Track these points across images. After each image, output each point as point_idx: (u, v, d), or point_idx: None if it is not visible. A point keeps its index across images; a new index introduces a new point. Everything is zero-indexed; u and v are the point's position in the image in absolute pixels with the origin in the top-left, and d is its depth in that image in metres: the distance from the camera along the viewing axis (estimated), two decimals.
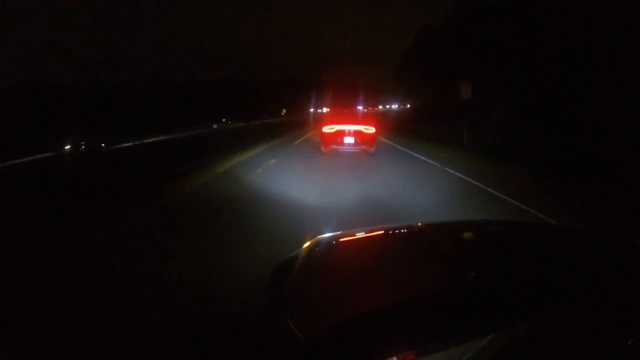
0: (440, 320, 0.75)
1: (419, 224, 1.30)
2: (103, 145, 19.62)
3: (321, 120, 11.81)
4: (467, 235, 1.31)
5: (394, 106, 54.08)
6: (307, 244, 1.26)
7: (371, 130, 8.84)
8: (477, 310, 0.77)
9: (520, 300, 0.79)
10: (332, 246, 1.27)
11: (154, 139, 21.89)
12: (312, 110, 52.69)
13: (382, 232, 1.39)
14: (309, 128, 22.70)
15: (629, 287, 0.84)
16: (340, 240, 1.33)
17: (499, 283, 0.89)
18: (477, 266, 0.94)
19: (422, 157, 9.49)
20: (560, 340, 0.67)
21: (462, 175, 6.94)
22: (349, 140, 8.75)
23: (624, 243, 1.13)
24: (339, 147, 8.93)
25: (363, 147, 8.90)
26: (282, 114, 29.92)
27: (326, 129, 8.93)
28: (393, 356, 0.64)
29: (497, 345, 0.66)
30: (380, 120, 11.02)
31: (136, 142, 20.69)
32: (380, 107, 57.33)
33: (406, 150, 11.39)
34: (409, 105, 44.92)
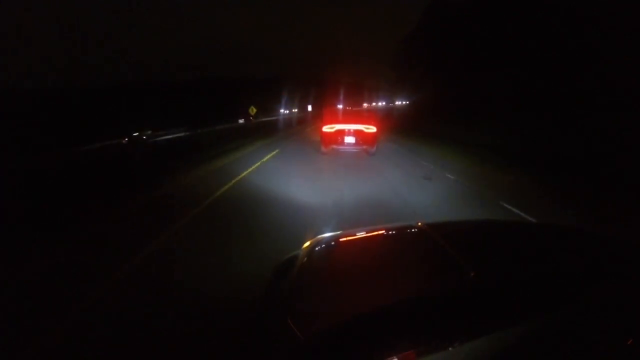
0: (440, 320, 0.75)
1: (419, 223, 1.30)
2: (145, 137, 23.03)
3: (295, 125, 10.75)
4: (467, 235, 1.31)
5: (381, 103, 51.17)
6: (307, 244, 1.26)
7: (372, 129, 8.86)
8: (477, 310, 0.77)
9: (521, 300, 0.79)
10: (332, 246, 1.27)
11: None
12: (282, 111, 45.41)
13: (382, 232, 1.39)
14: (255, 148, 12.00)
15: (629, 287, 0.84)
16: (340, 240, 1.33)
17: (499, 283, 0.89)
18: (477, 266, 0.94)
19: None
20: (560, 340, 0.67)
21: None
22: (349, 140, 8.78)
23: (624, 243, 1.13)
24: (339, 147, 8.97)
25: (364, 146, 8.93)
26: (252, 114, 25.36)
27: (326, 128, 8.96)
28: (394, 356, 0.64)
29: (497, 345, 0.66)
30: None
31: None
32: (366, 104, 54.98)
33: None
34: (398, 103, 41.05)
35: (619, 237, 1.16)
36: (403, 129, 20.03)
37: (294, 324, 0.78)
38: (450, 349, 0.66)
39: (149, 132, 24.54)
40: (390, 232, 1.39)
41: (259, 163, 8.54)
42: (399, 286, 0.93)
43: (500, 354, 0.65)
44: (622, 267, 0.97)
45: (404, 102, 39.45)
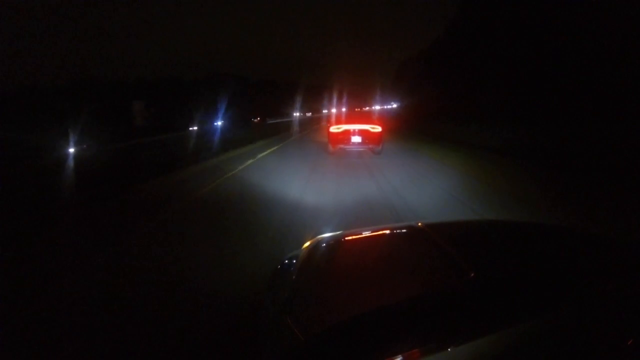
0: (439, 321, 0.75)
1: (419, 224, 1.30)
2: (267, 118, 43.39)
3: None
4: (467, 235, 1.31)
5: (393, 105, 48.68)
6: (307, 244, 1.26)
7: (377, 129, 9.13)
8: (477, 310, 0.77)
9: (520, 300, 0.79)
10: (332, 246, 1.27)
11: None
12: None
13: (382, 232, 1.40)
14: None
15: (629, 287, 0.84)
16: (340, 240, 1.33)
17: (499, 283, 0.89)
18: (477, 266, 0.94)
19: None
20: (560, 340, 0.67)
21: None
22: (355, 139, 9.08)
23: (624, 243, 1.13)
24: (346, 147, 9.27)
25: (370, 145, 9.19)
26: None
27: (333, 128, 9.28)
28: (399, 354, 0.64)
29: (498, 345, 0.66)
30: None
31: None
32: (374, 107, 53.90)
33: None
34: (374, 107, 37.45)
35: (619, 237, 1.15)
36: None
37: (294, 324, 0.78)
38: (449, 349, 0.66)
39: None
40: (390, 232, 1.40)
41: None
42: (399, 286, 0.93)
43: (501, 354, 0.65)
44: (623, 266, 0.97)
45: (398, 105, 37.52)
